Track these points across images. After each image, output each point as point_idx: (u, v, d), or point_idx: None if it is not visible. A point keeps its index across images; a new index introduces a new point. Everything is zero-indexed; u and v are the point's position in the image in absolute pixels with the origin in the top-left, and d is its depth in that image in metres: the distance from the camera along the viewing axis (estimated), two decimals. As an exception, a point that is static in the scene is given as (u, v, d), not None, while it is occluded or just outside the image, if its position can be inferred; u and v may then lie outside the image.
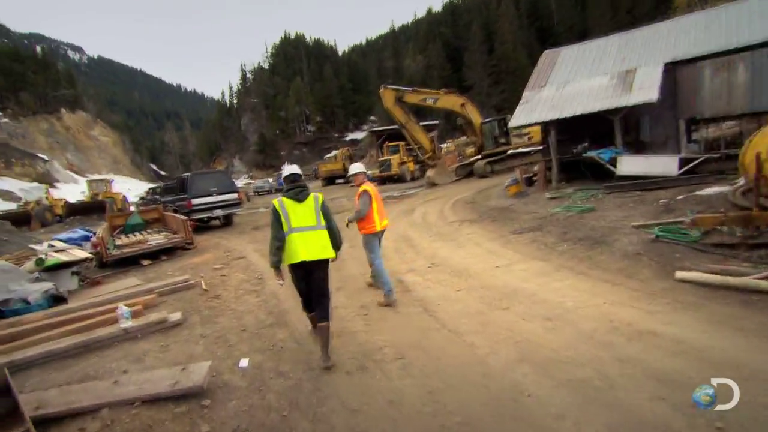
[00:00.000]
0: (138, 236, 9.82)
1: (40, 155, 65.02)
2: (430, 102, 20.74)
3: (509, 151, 21.50)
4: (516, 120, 11.66)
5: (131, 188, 51.25)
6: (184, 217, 9.63)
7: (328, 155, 41.78)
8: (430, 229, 8.68)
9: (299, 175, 3.85)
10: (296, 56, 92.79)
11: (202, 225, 13.10)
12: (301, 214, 3.59)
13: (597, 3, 50.98)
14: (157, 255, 9.13)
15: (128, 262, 8.75)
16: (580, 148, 10.93)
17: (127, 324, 4.56)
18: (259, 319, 4.69)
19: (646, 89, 9.73)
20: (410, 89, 20.58)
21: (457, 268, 5.72)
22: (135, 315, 4.86)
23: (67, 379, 3.63)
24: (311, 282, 3.65)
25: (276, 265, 3.61)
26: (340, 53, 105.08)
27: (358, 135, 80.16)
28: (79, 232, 10.56)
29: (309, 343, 3.91)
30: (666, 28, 11.65)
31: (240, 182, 42.58)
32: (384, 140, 31.03)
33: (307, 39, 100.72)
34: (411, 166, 26.95)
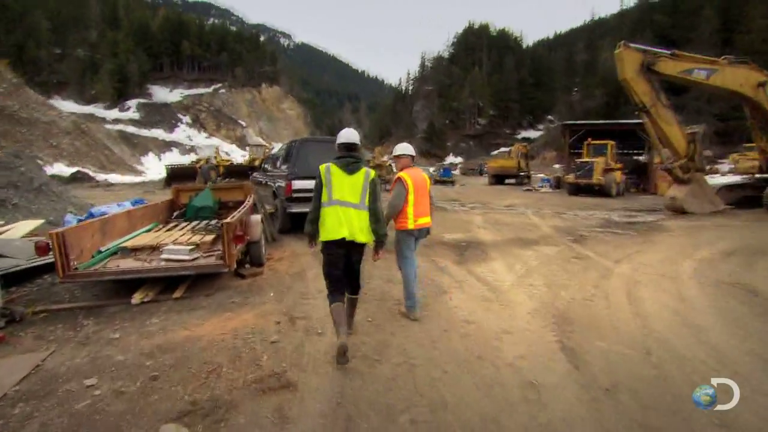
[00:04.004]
0: (163, 234, 5.34)
1: (240, 122, 76.19)
2: (699, 76, 11.68)
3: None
4: None
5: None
6: (229, 220, 4.53)
7: (500, 150, 34.75)
8: None
9: (356, 144, 3.12)
10: (477, 46, 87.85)
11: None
12: (346, 186, 2.98)
13: None
14: (176, 281, 4.49)
15: (115, 289, 4.31)
16: None
17: None
18: None
19: None
20: (668, 52, 12.02)
21: None
22: None
23: None
24: (348, 265, 3.09)
25: (311, 235, 3.14)
26: (524, 46, 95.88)
27: (532, 134, 72.20)
28: (126, 204, 6.79)
29: None
30: None
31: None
32: (581, 138, 22.48)
33: (492, 30, 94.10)
34: (618, 175, 18.26)
